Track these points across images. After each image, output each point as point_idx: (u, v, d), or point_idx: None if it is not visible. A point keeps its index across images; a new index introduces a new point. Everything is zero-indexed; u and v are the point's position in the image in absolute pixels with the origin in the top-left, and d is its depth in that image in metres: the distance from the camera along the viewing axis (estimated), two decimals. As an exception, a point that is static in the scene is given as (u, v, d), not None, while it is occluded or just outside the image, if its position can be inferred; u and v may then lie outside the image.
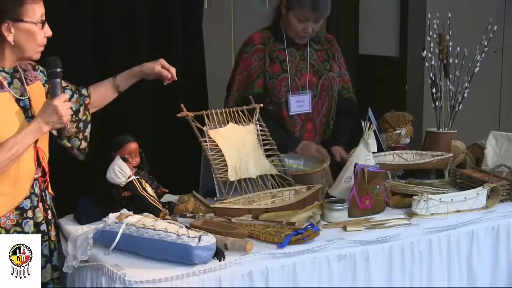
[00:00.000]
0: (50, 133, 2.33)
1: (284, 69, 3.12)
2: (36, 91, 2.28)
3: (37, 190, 2.27)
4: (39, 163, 2.28)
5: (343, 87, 3.30)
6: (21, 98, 2.23)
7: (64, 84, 2.37)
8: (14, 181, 2.20)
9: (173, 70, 2.52)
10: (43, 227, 2.29)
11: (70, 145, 2.47)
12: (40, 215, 2.27)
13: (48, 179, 2.35)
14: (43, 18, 2.20)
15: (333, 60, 3.24)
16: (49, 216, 2.32)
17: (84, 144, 2.50)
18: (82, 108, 2.45)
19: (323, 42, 3.26)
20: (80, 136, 2.47)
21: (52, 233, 2.33)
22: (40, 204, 2.28)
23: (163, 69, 2.50)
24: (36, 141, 2.24)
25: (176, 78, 2.53)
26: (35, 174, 2.26)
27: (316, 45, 3.22)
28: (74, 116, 2.41)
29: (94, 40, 3.41)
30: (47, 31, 2.23)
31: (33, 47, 2.20)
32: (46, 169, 2.32)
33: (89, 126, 2.49)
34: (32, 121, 2.17)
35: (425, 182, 2.85)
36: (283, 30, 3.14)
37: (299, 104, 3.15)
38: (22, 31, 2.16)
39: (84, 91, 2.48)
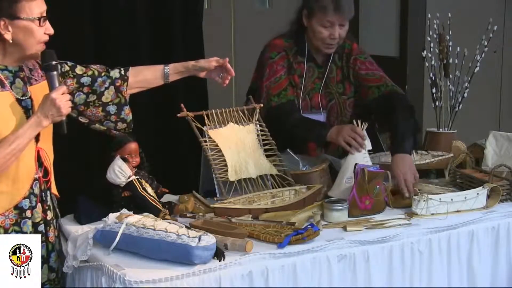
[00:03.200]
0: (54, 135, 2.33)
1: (299, 85, 3.01)
2: (40, 90, 2.25)
3: (36, 191, 2.26)
4: (40, 164, 2.27)
5: (377, 85, 3.01)
6: (22, 98, 2.22)
7: (79, 71, 2.36)
8: (13, 180, 2.19)
9: (228, 65, 2.47)
10: (41, 227, 2.28)
11: (105, 128, 2.45)
12: (38, 216, 2.26)
13: (52, 180, 2.34)
14: (43, 15, 2.18)
15: (347, 80, 3.07)
16: (48, 217, 2.31)
17: (121, 125, 2.46)
18: (111, 91, 2.41)
19: (343, 56, 3.09)
20: (113, 118, 2.43)
21: (51, 234, 2.32)
22: (39, 204, 2.27)
23: (220, 63, 2.46)
24: (37, 142, 2.24)
25: (233, 74, 2.47)
26: (35, 174, 2.26)
27: (338, 61, 3.07)
28: (97, 101, 2.39)
29: (94, 40, 3.41)
30: (48, 28, 2.21)
31: (32, 44, 2.18)
32: (49, 169, 2.31)
33: (125, 108, 2.44)
34: (32, 115, 2.17)
35: (431, 181, 2.85)
36: (307, 43, 3.00)
37: None
38: (19, 28, 2.15)
39: (114, 73, 2.43)
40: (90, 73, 2.39)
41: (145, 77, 2.48)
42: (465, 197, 2.58)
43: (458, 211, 2.56)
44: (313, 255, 2.20)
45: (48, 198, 2.33)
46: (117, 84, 2.42)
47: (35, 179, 2.26)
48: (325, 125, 2.94)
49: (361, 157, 2.70)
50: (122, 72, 2.45)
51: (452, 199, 2.56)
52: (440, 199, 2.54)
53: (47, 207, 2.31)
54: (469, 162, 3.05)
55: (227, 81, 2.50)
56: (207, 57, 3.75)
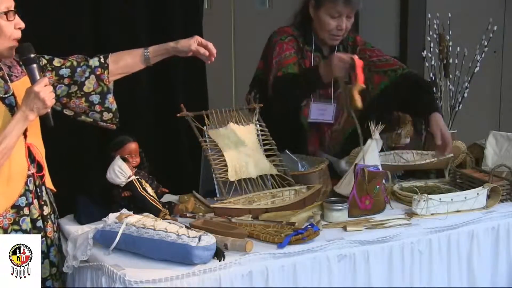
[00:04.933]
0: (42, 129, 2.31)
1: (296, 65, 3.00)
2: (22, 86, 2.23)
3: (31, 187, 2.26)
4: (32, 159, 2.26)
5: (394, 69, 3.06)
6: (5, 96, 2.21)
7: (57, 63, 2.34)
8: (7, 179, 2.18)
9: (211, 45, 2.45)
10: (39, 223, 2.28)
11: (91, 120, 2.44)
12: (35, 212, 2.26)
13: (46, 174, 2.33)
14: (11, 9, 2.15)
15: (352, 70, 3.01)
16: (45, 212, 2.31)
17: (107, 116, 2.43)
18: (92, 80, 2.38)
19: (347, 48, 3.12)
20: (98, 108, 2.41)
21: (49, 229, 2.32)
22: (35, 200, 2.27)
23: (200, 47, 2.44)
24: (26, 138, 2.23)
25: (214, 55, 2.46)
26: (29, 170, 2.25)
27: (343, 51, 3.08)
28: (78, 91, 2.37)
29: (94, 40, 3.41)
30: (18, 23, 2.18)
31: (3, 40, 2.16)
32: (42, 164, 2.30)
33: (109, 96, 2.41)
34: (17, 111, 2.15)
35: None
36: (313, 34, 3.02)
37: (320, 112, 3.04)
38: None
39: (93, 62, 2.40)
40: (68, 64, 2.37)
41: (126, 62, 2.45)
42: (465, 197, 2.58)
43: (458, 211, 2.56)
44: (313, 255, 2.20)
45: (44, 193, 2.32)
46: (97, 72, 2.40)
47: (28, 176, 2.25)
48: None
49: (376, 156, 2.72)
50: (102, 60, 2.42)
51: (452, 199, 2.56)
52: (440, 199, 2.54)
53: (43, 203, 2.31)
54: (469, 162, 3.05)
55: (212, 58, 2.48)
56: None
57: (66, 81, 2.36)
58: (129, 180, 2.45)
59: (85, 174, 3.10)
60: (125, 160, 2.48)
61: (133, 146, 2.57)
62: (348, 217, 2.49)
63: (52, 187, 2.38)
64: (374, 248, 2.31)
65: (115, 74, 2.45)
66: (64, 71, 2.36)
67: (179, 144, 3.59)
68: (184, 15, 3.62)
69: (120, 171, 2.43)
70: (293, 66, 2.97)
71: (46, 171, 2.33)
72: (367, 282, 2.30)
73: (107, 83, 2.42)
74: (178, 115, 2.67)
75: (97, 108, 2.41)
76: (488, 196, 2.63)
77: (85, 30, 3.39)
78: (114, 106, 2.44)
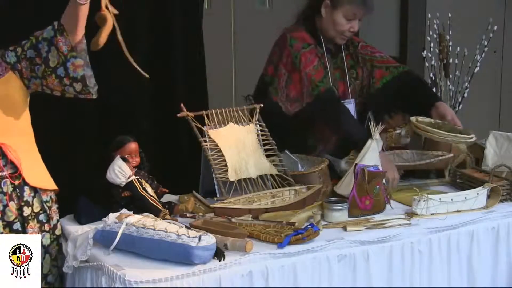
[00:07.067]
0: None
1: (328, 75, 3.01)
2: (5, 84, 2.17)
3: (5, 189, 2.19)
4: (6, 160, 2.19)
5: (395, 66, 3.11)
6: None
7: (26, 47, 2.20)
8: None
9: None
10: (16, 226, 2.22)
11: (72, 95, 2.24)
12: (11, 214, 2.21)
13: (25, 172, 2.23)
14: None
15: (357, 65, 3.12)
16: (25, 213, 2.23)
17: (78, 86, 2.20)
18: (53, 53, 2.18)
19: (348, 45, 3.13)
20: (66, 81, 2.19)
21: (30, 230, 2.24)
22: (12, 202, 2.20)
23: None
24: None
25: None
26: (1, 172, 2.18)
27: (346, 49, 3.10)
28: (47, 69, 2.18)
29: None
30: None
31: None
32: (17, 163, 2.20)
33: (68, 64, 2.17)
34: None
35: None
36: (320, 34, 3.01)
37: None
38: None
39: (48, 33, 2.19)
40: (29, 44, 2.21)
41: (72, 19, 2.23)
42: (465, 197, 2.58)
43: (458, 211, 2.56)
44: (313, 255, 2.20)
45: (25, 193, 2.25)
46: (55, 42, 2.19)
47: (2, 178, 2.19)
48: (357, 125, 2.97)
49: (376, 157, 2.71)
50: (56, 26, 2.21)
51: (452, 199, 2.56)
52: (440, 199, 2.54)
53: (23, 203, 2.24)
54: (469, 162, 3.05)
55: None
56: (207, 57, 3.76)
57: (38, 60, 2.20)
58: (129, 180, 2.45)
59: (86, 174, 3.10)
60: (125, 160, 2.48)
61: (133, 146, 2.57)
62: (348, 217, 2.49)
63: (36, 185, 2.28)
64: (374, 248, 2.31)
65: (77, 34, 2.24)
66: (30, 53, 2.21)
67: (179, 144, 3.59)
68: (184, 15, 3.62)
69: (120, 171, 2.43)
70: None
71: (24, 170, 2.22)
72: (367, 282, 2.30)
73: (63, 50, 2.18)
74: (178, 115, 2.67)
75: (66, 81, 2.19)
76: (488, 196, 2.63)
77: (85, 30, 3.38)
78: (78, 73, 2.19)
